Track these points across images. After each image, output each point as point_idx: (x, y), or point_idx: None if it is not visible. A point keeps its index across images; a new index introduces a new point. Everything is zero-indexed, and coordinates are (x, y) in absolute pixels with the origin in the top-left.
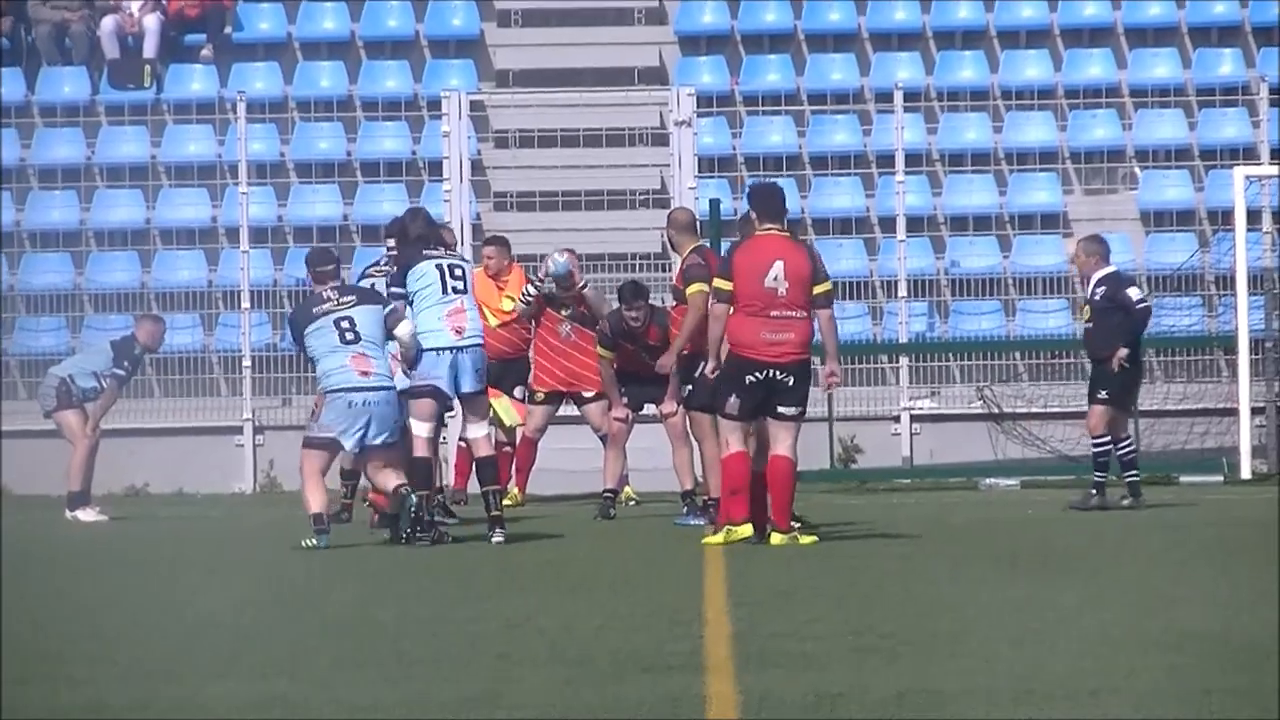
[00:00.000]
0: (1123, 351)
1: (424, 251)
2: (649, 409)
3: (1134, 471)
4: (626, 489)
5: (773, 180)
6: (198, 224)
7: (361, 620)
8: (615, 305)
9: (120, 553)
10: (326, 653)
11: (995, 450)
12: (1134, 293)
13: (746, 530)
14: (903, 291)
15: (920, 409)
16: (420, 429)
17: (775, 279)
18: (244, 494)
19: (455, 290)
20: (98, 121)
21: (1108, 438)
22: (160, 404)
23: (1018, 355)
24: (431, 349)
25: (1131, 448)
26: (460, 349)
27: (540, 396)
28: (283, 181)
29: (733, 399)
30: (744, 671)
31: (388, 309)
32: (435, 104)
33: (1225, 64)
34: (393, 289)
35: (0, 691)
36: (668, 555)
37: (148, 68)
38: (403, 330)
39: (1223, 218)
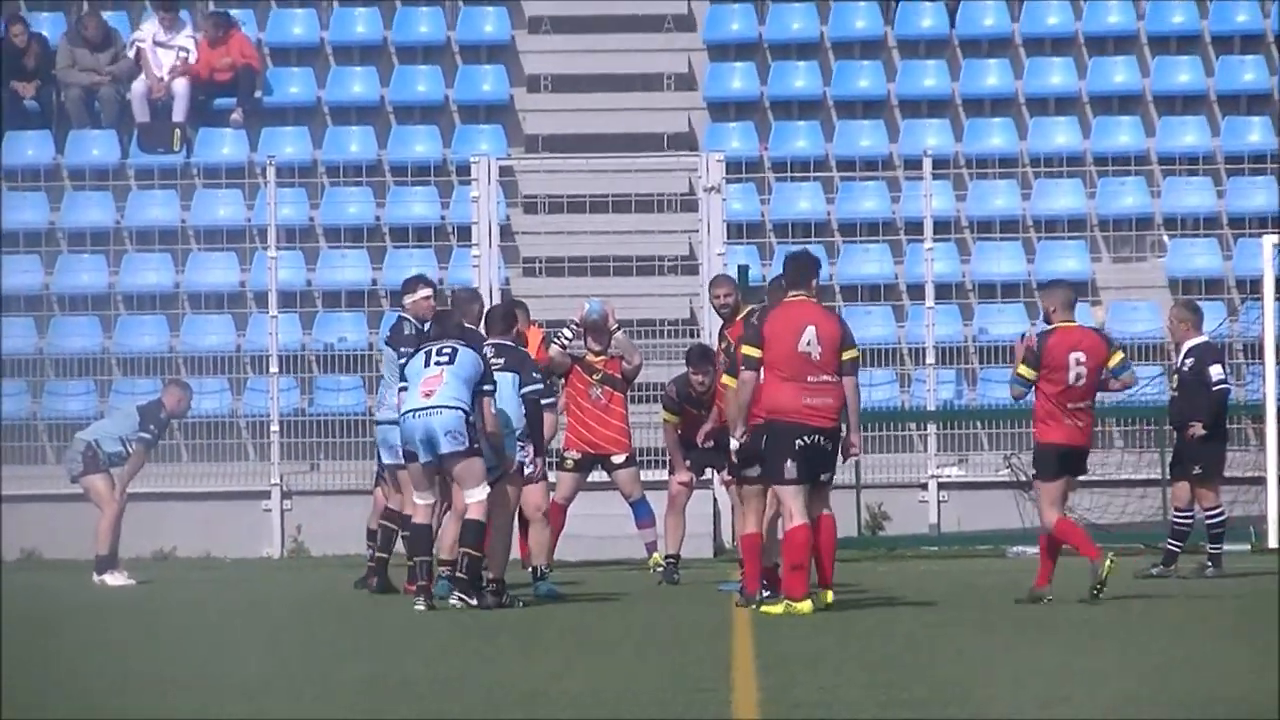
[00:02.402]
0: (1196, 428)
1: (424, 345)
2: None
3: (1220, 544)
4: (654, 555)
5: (807, 250)
6: (226, 288)
7: (387, 682)
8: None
9: (146, 616)
10: (352, 714)
11: (1022, 518)
12: (1215, 371)
13: (807, 607)
14: (930, 359)
15: (948, 476)
16: (416, 497)
17: (809, 344)
18: (272, 558)
19: (436, 364)
20: (127, 185)
21: (1191, 511)
22: (188, 468)
23: None
24: (404, 412)
25: (1222, 518)
26: (429, 410)
27: (570, 463)
28: (312, 246)
29: (789, 464)
30: None
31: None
32: (464, 169)
33: (1254, 132)
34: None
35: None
36: (694, 620)
37: (177, 131)
38: None
39: (1251, 286)
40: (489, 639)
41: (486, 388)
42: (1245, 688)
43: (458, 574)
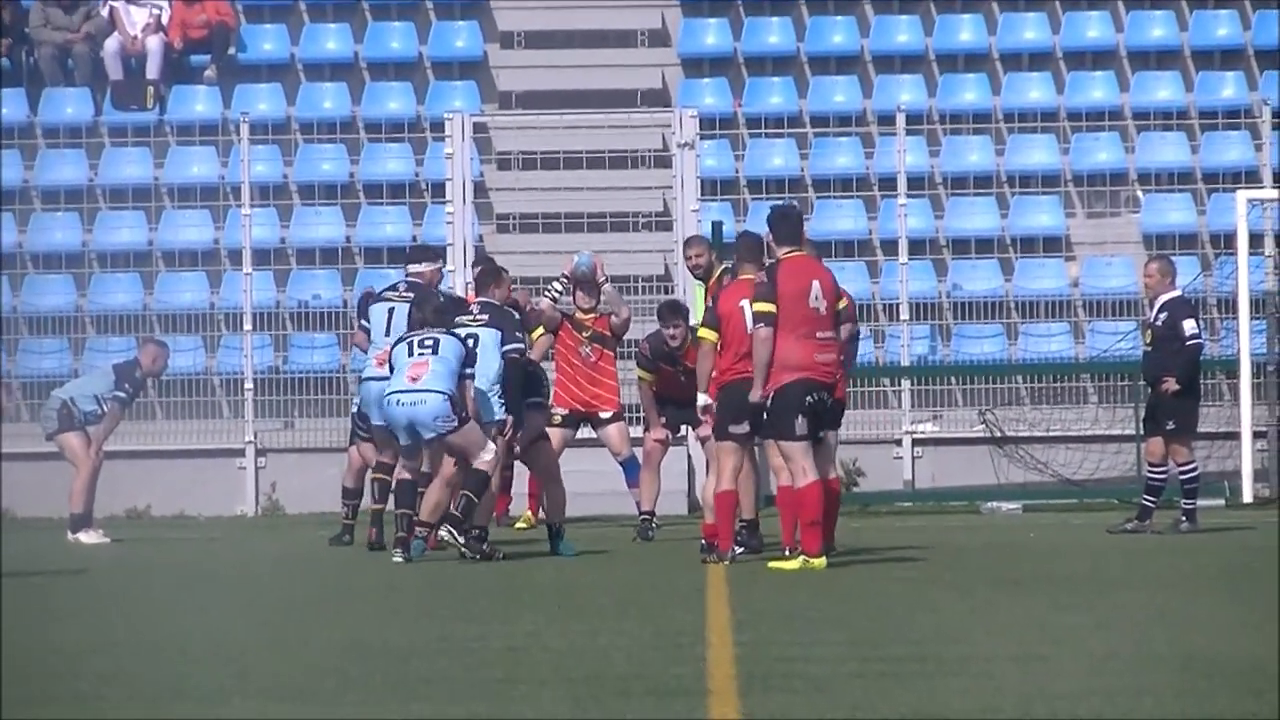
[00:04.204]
0: (1170, 383)
1: (404, 336)
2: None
3: (1194, 499)
4: None
5: (792, 205)
6: (200, 246)
7: (367, 641)
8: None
9: (124, 574)
10: (332, 674)
11: (997, 474)
12: (1189, 326)
13: (822, 563)
14: (905, 314)
15: (922, 432)
16: (402, 464)
17: (816, 299)
18: (246, 516)
19: (420, 355)
20: (101, 143)
21: (1165, 467)
22: (162, 426)
23: (1020, 379)
24: (390, 394)
25: (1195, 474)
26: (413, 396)
27: (559, 418)
28: (286, 203)
29: (799, 420)
30: (748, 694)
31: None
32: (438, 125)
33: (1228, 87)
34: None
35: (1, 707)
36: (672, 578)
37: (151, 89)
38: None
39: (1225, 241)
40: (468, 596)
41: (468, 370)
42: (1222, 644)
43: (452, 510)
